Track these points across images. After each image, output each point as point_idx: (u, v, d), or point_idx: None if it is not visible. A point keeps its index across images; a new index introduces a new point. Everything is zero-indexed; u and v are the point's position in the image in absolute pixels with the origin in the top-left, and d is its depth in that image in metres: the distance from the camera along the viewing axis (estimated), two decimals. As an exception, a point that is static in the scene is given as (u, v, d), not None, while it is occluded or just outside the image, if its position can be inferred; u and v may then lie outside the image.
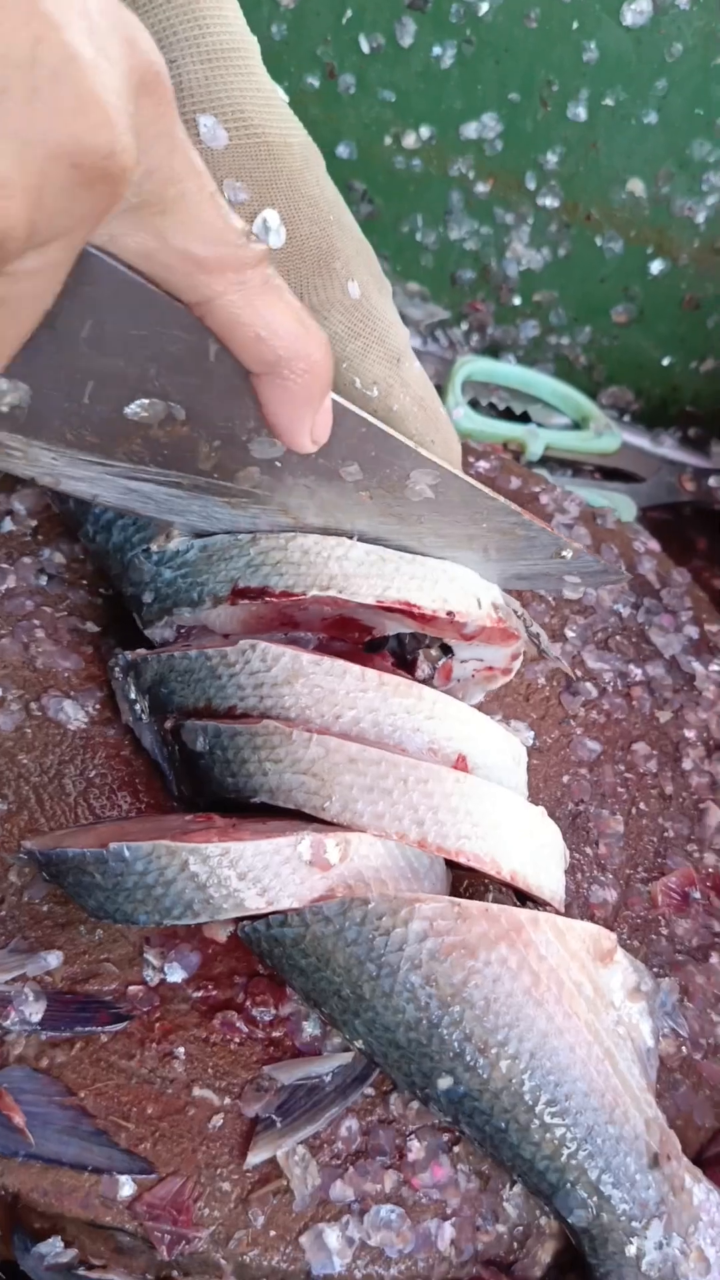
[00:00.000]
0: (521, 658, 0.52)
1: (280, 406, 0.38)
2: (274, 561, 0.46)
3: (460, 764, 0.45)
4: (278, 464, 0.43)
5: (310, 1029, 0.44)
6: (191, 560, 0.48)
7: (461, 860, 0.43)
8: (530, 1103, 0.41)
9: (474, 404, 0.77)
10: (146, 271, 0.33)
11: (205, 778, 0.46)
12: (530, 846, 0.45)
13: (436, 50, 0.72)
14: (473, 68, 0.72)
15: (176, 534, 0.49)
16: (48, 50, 0.25)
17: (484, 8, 0.69)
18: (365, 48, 0.73)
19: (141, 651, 0.48)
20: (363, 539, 0.48)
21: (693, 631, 0.60)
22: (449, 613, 0.48)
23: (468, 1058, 0.41)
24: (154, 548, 0.49)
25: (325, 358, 0.38)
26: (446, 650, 0.52)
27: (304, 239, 0.49)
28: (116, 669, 0.49)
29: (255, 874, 0.41)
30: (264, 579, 0.47)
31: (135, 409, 0.40)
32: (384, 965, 0.41)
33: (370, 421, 0.43)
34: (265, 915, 0.43)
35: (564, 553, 0.50)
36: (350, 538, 0.47)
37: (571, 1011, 0.42)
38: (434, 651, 0.52)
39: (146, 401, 0.40)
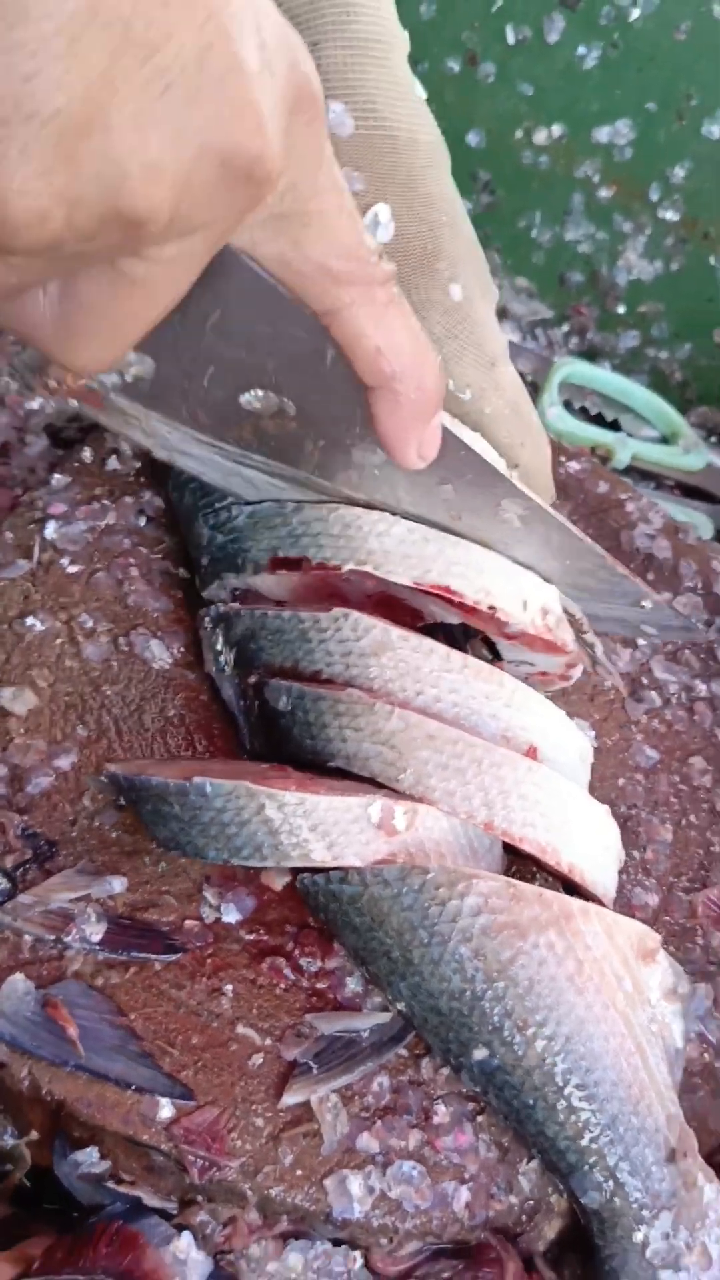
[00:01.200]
0: (580, 667, 0.52)
1: (390, 420, 0.40)
2: (314, 533, 0.47)
3: (530, 754, 0.46)
4: (376, 472, 0.45)
5: (353, 985, 0.46)
6: (239, 526, 0.49)
7: (524, 847, 0.45)
8: (560, 1084, 0.42)
9: (566, 405, 0.77)
10: (281, 277, 0.35)
11: (283, 736, 0.47)
12: (591, 842, 0.46)
13: (581, 50, 0.72)
14: (615, 72, 0.72)
15: None
16: (217, 57, 0.27)
17: (635, 13, 0.70)
18: (511, 39, 0.73)
19: (235, 605, 0.49)
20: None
21: (761, 656, 0.61)
22: (490, 606, 0.47)
23: (505, 1033, 0.42)
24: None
25: (438, 379, 0.39)
26: (495, 653, 0.52)
27: (411, 236, 0.49)
28: (207, 619, 0.50)
29: (325, 828, 0.43)
30: (303, 549, 0.47)
31: (250, 398, 0.42)
32: (435, 934, 0.43)
33: (471, 447, 0.45)
34: (326, 870, 0.44)
35: (644, 602, 0.51)
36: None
37: (610, 1003, 0.43)
38: (482, 650, 0.52)
39: (261, 393, 0.42)
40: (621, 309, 0.81)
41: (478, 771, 0.44)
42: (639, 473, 0.79)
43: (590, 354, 0.83)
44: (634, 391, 0.79)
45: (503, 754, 0.44)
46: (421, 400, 0.39)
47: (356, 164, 0.49)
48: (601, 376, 0.78)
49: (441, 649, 0.46)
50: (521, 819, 0.44)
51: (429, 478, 0.45)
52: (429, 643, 0.46)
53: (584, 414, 0.79)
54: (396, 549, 0.46)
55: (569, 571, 0.49)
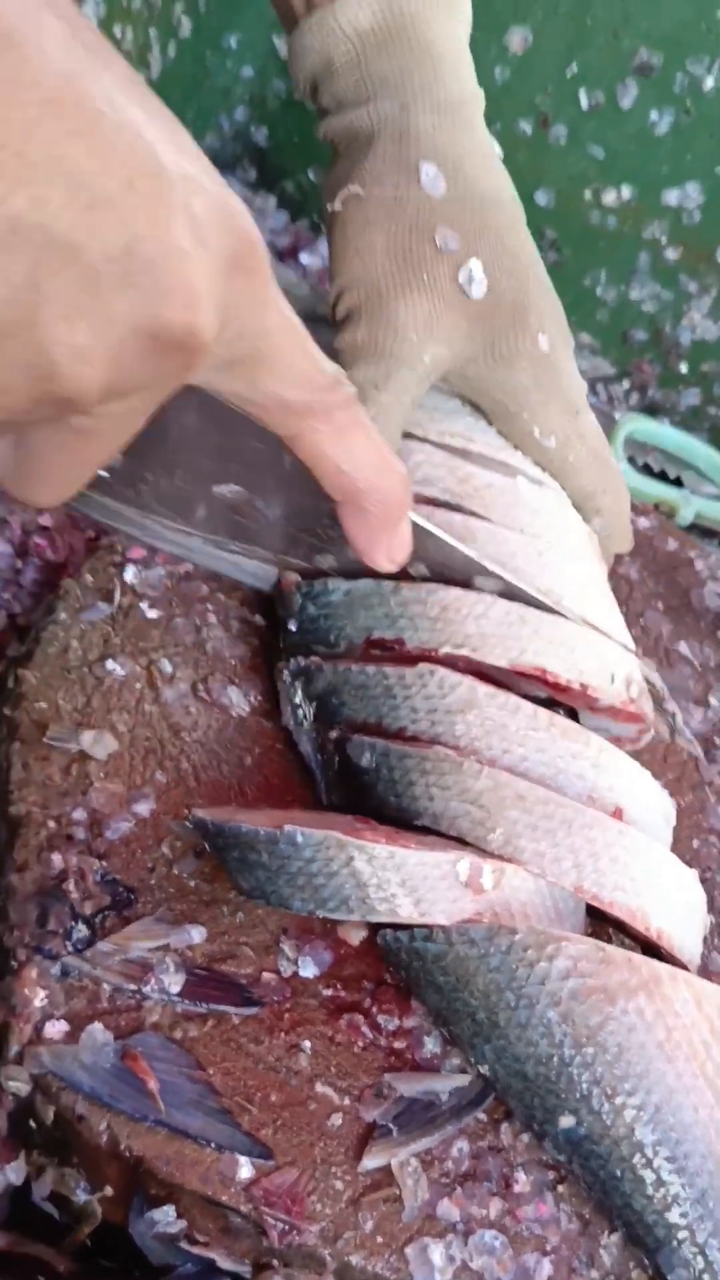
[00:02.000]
0: (651, 733, 0.52)
1: (358, 531, 0.42)
2: (411, 615, 0.47)
3: (616, 815, 0.46)
4: (350, 555, 0.46)
5: (431, 1045, 0.45)
6: (335, 602, 0.49)
7: (613, 911, 0.44)
8: (649, 1155, 0.41)
9: (630, 461, 0.78)
10: (240, 409, 0.36)
11: (366, 793, 0.47)
12: (679, 908, 0.45)
13: (654, 115, 0.73)
14: (687, 137, 0.73)
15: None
16: (144, 246, 0.28)
17: (709, 82, 0.71)
18: (584, 103, 0.74)
19: (316, 659, 0.49)
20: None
21: None
22: (582, 684, 0.48)
23: (594, 1101, 0.42)
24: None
25: (402, 491, 0.41)
26: (574, 717, 0.52)
27: (503, 291, 0.51)
28: (286, 672, 0.50)
29: (413, 883, 0.42)
30: (399, 631, 0.47)
31: (222, 491, 0.45)
32: (523, 996, 0.42)
33: (438, 534, 0.47)
34: (410, 927, 0.44)
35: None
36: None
37: (699, 1072, 0.42)
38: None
39: (234, 487, 0.45)
40: (684, 367, 0.81)
41: (568, 833, 0.44)
42: (700, 530, 0.79)
43: (651, 410, 0.84)
44: (697, 449, 0.79)
45: (593, 815, 0.44)
46: (386, 512, 0.41)
47: (450, 223, 0.50)
48: (666, 433, 0.78)
49: (528, 706, 0.46)
50: (612, 883, 0.44)
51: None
52: (515, 700, 0.46)
53: (647, 470, 0.79)
54: (494, 631, 0.46)
55: None
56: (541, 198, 0.78)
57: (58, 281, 0.27)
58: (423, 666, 0.46)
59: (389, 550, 0.42)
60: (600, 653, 0.48)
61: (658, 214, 0.76)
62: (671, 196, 0.75)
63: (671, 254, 0.77)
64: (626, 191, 0.76)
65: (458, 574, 0.47)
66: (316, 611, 0.49)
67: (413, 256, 0.50)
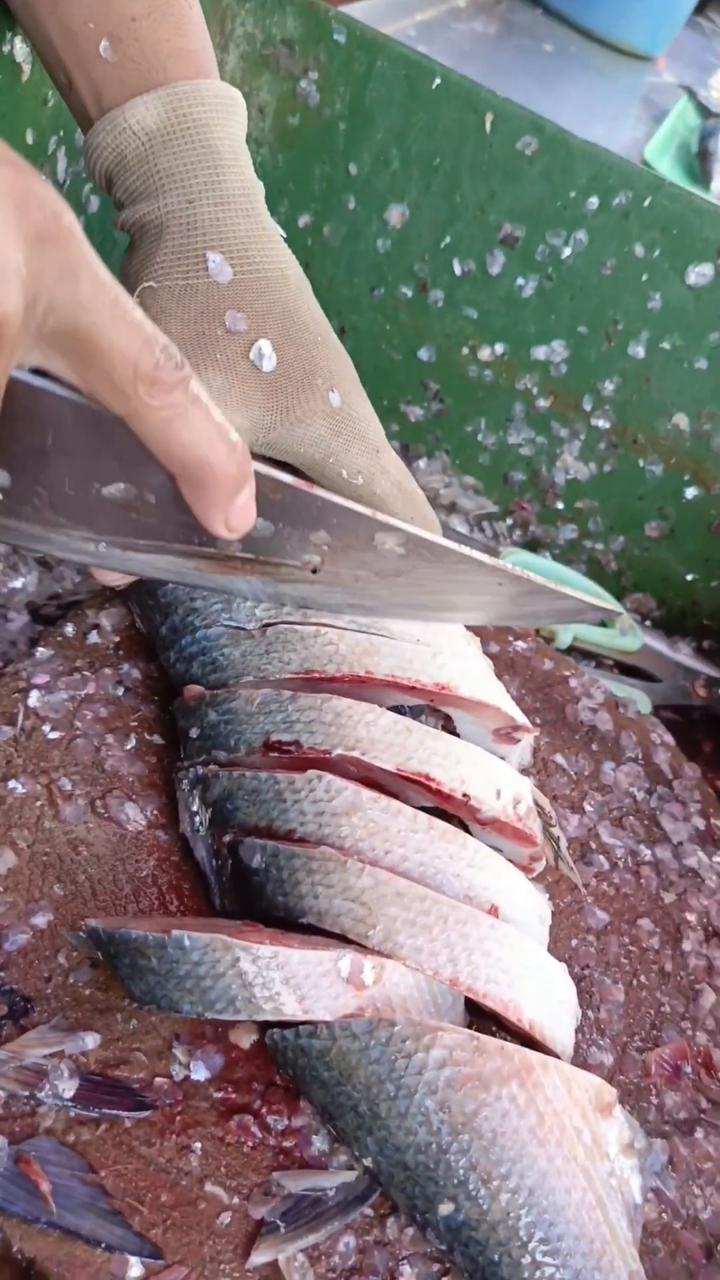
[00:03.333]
0: (544, 861, 0.55)
1: (197, 503, 0.43)
2: (307, 720, 0.51)
3: (492, 913, 0.49)
4: (254, 534, 0.47)
5: (319, 1143, 0.47)
6: (235, 709, 0.52)
7: (486, 1003, 0.47)
8: (525, 1239, 0.43)
9: (513, 591, 0.83)
10: (79, 389, 0.38)
11: (255, 894, 0.49)
12: (550, 1000, 0.48)
13: (520, 281, 0.81)
14: (549, 300, 0.81)
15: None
16: None
17: (566, 252, 0.79)
18: (458, 270, 0.82)
19: (213, 767, 0.52)
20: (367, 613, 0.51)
21: (700, 823, 0.65)
22: (465, 794, 0.51)
23: (470, 1187, 0.44)
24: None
25: (240, 464, 0.42)
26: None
27: (291, 361, 0.56)
28: (185, 780, 0.53)
29: (297, 981, 0.45)
30: (296, 734, 0.51)
31: (111, 491, 0.45)
32: (402, 1087, 0.44)
33: (331, 499, 0.48)
34: (295, 1025, 0.46)
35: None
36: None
37: (570, 1156, 0.45)
38: None
39: (122, 485, 0.45)
40: (560, 505, 0.88)
41: (444, 928, 0.46)
42: (580, 653, 0.84)
43: (532, 545, 0.90)
44: (573, 579, 0.85)
45: (468, 911, 0.47)
46: (217, 484, 0.42)
47: (238, 306, 0.56)
48: (544, 565, 0.84)
49: (409, 810, 0.49)
50: (485, 975, 0.47)
51: (298, 530, 0.48)
52: (396, 804, 0.49)
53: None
54: (382, 737, 0.50)
55: (475, 585, 0.52)
56: (424, 354, 0.86)
57: None
58: (311, 772, 0.50)
59: (228, 520, 0.43)
60: (486, 768, 0.52)
61: (528, 368, 0.83)
62: (540, 352, 0.82)
63: (543, 403, 0.84)
64: (500, 348, 0.83)
65: (360, 536, 0.49)
66: (218, 718, 0.52)
67: (205, 339, 0.55)
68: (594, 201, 0.77)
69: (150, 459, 0.42)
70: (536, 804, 0.53)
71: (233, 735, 0.52)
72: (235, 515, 0.44)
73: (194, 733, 0.53)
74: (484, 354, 0.84)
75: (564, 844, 0.56)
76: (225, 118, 0.57)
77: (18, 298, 0.32)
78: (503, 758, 0.54)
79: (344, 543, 0.49)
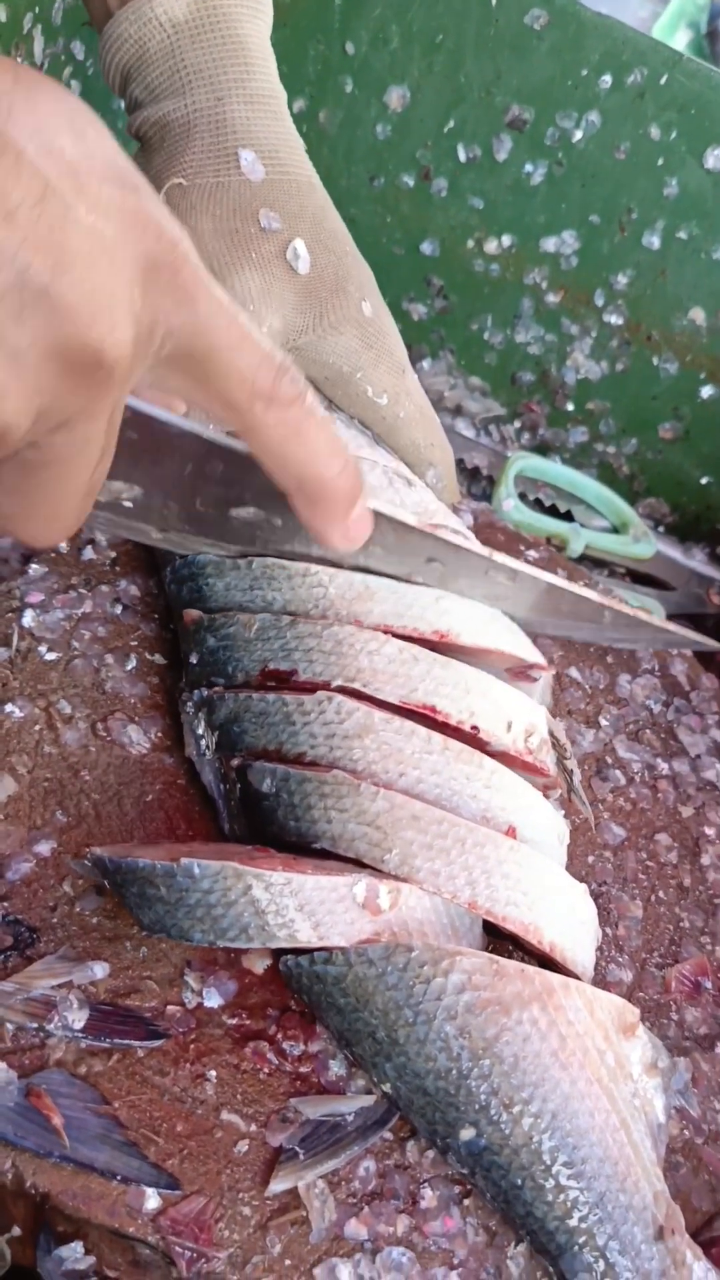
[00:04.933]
0: (558, 791, 0.53)
1: (313, 519, 0.43)
2: (306, 648, 0.49)
3: (510, 834, 0.47)
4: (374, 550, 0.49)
5: (336, 1068, 0.46)
6: (233, 635, 0.50)
7: (506, 926, 0.46)
8: (548, 1162, 0.42)
9: (521, 497, 0.80)
10: (196, 408, 0.38)
11: (266, 819, 0.47)
12: (571, 921, 0.47)
13: (528, 168, 0.76)
14: (560, 187, 0.76)
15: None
16: (37, 274, 0.28)
17: (578, 135, 0.75)
18: (462, 156, 0.77)
19: (218, 689, 0.50)
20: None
21: (718, 735, 0.63)
22: (473, 726, 0.49)
23: (492, 1112, 0.43)
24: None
25: (354, 480, 0.42)
26: None
27: (324, 267, 0.55)
28: (189, 703, 0.51)
29: (311, 908, 0.43)
30: (293, 663, 0.49)
31: (239, 513, 0.48)
32: (421, 1013, 0.43)
33: (449, 540, 0.49)
34: (309, 951, 0.45)
35: (604, 615, 0.54)
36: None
37: (593, 1078, 0.44)
38: None
39: (250, 510, 0.47)
40: (570, 406, 0.84)
41: (461, 851, 0.45)
42: (592, 561, 0.81)
43: (542, 449, 0.87)
44: (585, 484, 0.82)
45: (486, 833, 0.45)
46: (332, 499, 0.42)
47: (271, 205, 0.54)
48: (554, 470, 0.81)
49: (423, 731, 0.47)
50: (505, 898, 0.45)
51: (417, 559, 0.49)
52: (410, 725, 0.47)
53: (538, 505, 0.82)
54: (385, 668, 0.48)
55: (568, 614, 0.54)
56: (427, 247, 0.81)
57: None
58: (321, 694, 0.48)
59: (345, 534, 0.43)
60: (498, 699, 0.49)
61: (537, 261, 0.79)
62: (549, 244, 0.78)
63: (552, 298, 0.80)
64: (507, 240, 0.79)
65: (412, 554, 0.49)
66: (216, 644, 0.50)
67: (240, 236, 0.53)
68: (607, 80, 0.72)
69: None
70: (551, 735, 0.51)
71: (230, 662, 0.50)
72: (354, 527, 0.43)
73: (193, 659, 0.51)
74: (490, 247, 0.80)
75: (577, 777, 0.54)
76: (254, 14, 0.55)
77: (129, 332, 0.31)
78: None
79: (456, 572, 0.50)
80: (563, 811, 0.57)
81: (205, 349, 0.34)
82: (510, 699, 0.50)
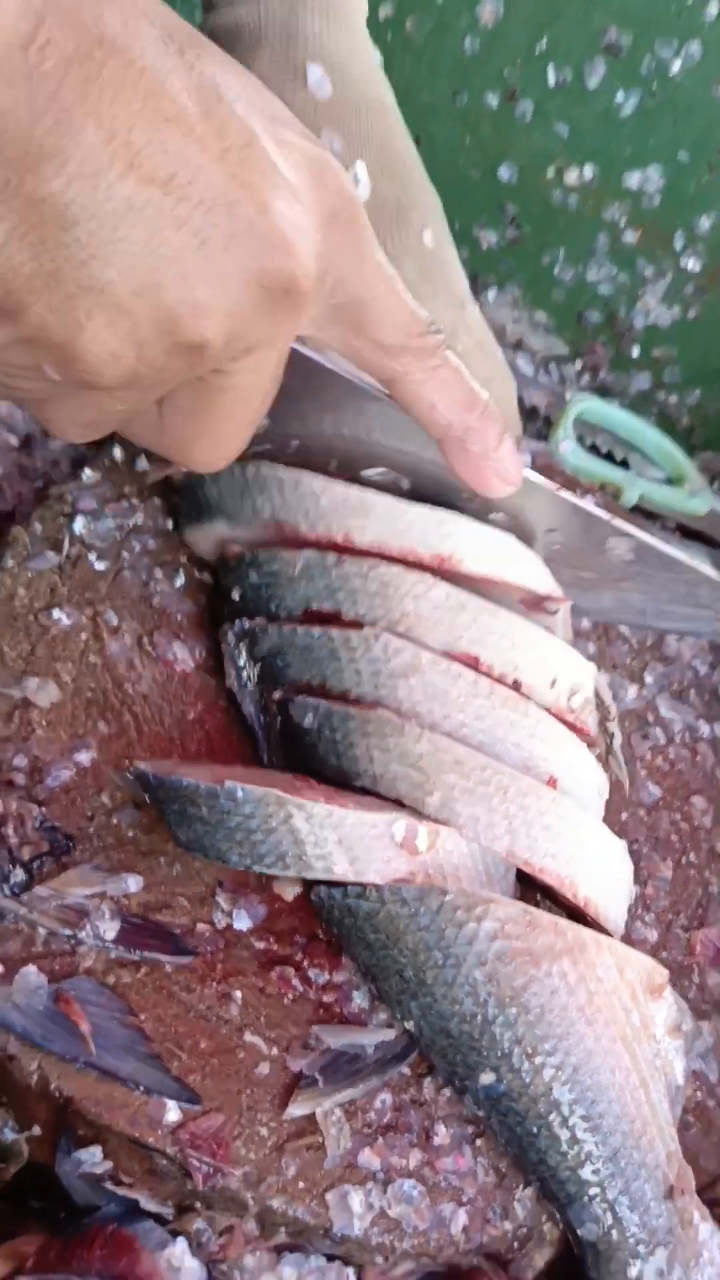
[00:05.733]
0: (598, 749, 0.52)
1: (462, 466, 0.43)
2: (351, 588, 0.48)
3: (550, 784, 0.47)
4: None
5: (359, 1000, 0.46)
6: (277, 571, 0.49)
7: (543, 878, 0.45)
8: (565, 1114, 0.43)
9: (579, 440, 0.78)
10: (346, 355, 0.40)
11: (306, 754, 0.47)
12: (607, 877, 0.47)
13: (620, 97, 0.73)
14: (651, 120, 0.73)
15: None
16: (244, 207, 0.32)
17: (676, 66, 0.71)
18: (552, 80, 0.74)
19: (261, 620, 0.49)
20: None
21: (761, 702, 0.63)
22: (515, 681, 0.48)
23: (514, 1060, 0.43)
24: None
25: (495, 422, 0.43)
26: None
27: (385, 194, 0.53)
28: (230, 634, 0.50)
29: (350, 842, 0.43)
30: (337, 604, 0.48)
31: (371, 474, 0.49)
32: (450, 956, 0.43)
33: (569, 499, 0.49)
34: (343, 884, 0.44)
35: None
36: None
37: (617, 1036, 0.44)
38: None
39: (381, 470, 0.49)
40: (635, 351, 0.82)
41: (503, 799, 0.44)
42: (643, 513, 0.80)
43: (601, 392, 0.85)
44: (645, 432, 0.80)
45: (529, 783, 0.45)
46: (482, 441, 0.42)
47: (334, 125, 0.52)
48: (615, 415, 0.79)
49: (469, 674, 0.46)
50: (544, 849, 0.45)
51: (537, 528, 0.49)
52: (457, 667, 0.46)
53: (594, 451, 0.80)
54: (431, 613, 0.47)
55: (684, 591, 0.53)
56: (504, 172, 0.78)
57: (172, 245, 0.30)
58: (368, 629, 0.47)
59: (499, 476, 0.43)
60: (545, 654, 0.48)
61: (618, 196, 0.76)
62: (633, 179, 0.75)
63: (630, 236, 0.78)
64: (589, 171, 0.76)
65: (592, 539, 0.50)
66: (259, 580, 0.49)
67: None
68: (713, 9, 0.69)
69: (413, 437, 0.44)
70: (596, 695, 0.50)
71: (273, 599, 0.49)
72: (505, 464, 0.43)
73: (235, 594, 0.50)
74: (571, 177, 0.77)
75: (618, 740, 0.53)
76: None
77: (313, 266, 0.34)
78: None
79: (574, 545, 0.50)
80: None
81: (365, 299, 0.37)
82: (556, 654, 0.49)
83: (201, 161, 0.30)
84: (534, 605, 0.51)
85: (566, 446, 0.75)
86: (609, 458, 0.80)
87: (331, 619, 0.47)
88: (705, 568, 0.50)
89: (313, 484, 0.48)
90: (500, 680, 0.48)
